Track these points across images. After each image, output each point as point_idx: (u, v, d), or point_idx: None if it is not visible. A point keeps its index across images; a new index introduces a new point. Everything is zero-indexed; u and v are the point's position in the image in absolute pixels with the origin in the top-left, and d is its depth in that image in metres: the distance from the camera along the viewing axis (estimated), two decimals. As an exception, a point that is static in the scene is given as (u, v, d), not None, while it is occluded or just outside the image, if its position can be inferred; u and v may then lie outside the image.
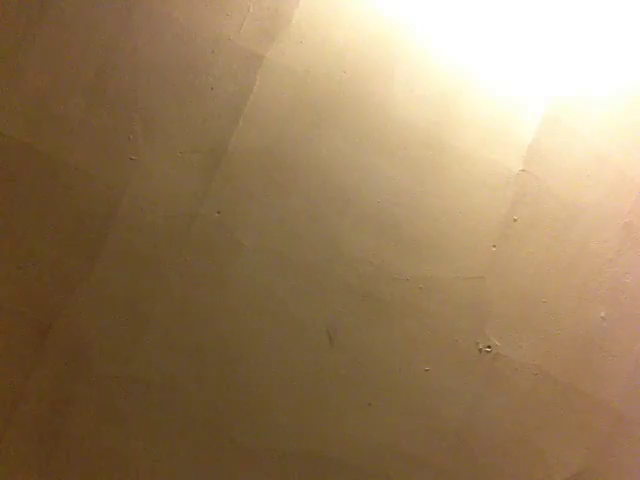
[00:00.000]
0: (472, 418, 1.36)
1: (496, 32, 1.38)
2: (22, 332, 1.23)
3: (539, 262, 1.39)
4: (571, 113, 1.40)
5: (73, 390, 1.24)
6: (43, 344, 1.24)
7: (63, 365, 1.24)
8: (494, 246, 1.37)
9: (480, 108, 1.37)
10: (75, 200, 1.25)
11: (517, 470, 1.37)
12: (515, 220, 1.38)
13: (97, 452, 1.25)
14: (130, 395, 1.26)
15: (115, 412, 1.26)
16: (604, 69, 1.42)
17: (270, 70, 1.30)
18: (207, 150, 1.29)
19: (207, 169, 1.29)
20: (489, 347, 1.37)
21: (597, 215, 1.41)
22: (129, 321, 1.26)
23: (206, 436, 1.28)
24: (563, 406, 1.39)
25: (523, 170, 1.38)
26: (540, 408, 1.38)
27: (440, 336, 1.35)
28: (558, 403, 1.39)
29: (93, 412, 1.25)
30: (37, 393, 1.23)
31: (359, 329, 1.33)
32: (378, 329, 1.33)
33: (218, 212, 1.29)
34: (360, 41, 1.33)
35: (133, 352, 1.26)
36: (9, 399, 1.22)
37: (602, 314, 1.41)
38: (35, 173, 1.24)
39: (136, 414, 1.26)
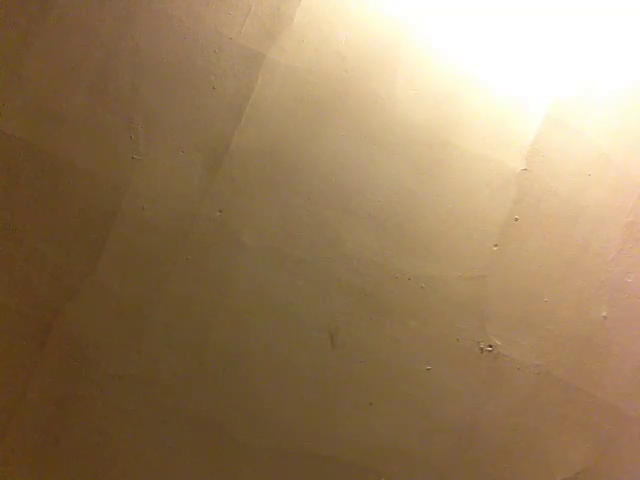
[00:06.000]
0: (473, 417, 1.36)
1: (498, 31, 1.38)
2: (24, 331, 1.23)
3: (541, 261, 1.39)
4: (573, 113, 1.40)
5: (74, 389, 1.24)
6: (45, 343, 1.24)
7: (65, 364, 1.24)
8: (496, 245, 1.37)
9: (482, 107, 1.37)
10: (77, 199, 1.25)
11: (518, 469, 1.37)
12: (517, 219, 1.38)
13: (98, 451, 1.25)
14: (131, 394, 1.26)
15: (116, 411, 1.26)
16: (606, 69, 1.42)
17: (272, 69, 1.30)
18: (209, 149, 1.29)
19: (209, 168, 1.29)
20: (490, 346, 1.36)
21: (599, 214, 1.41)
22: (131, 320, 1.26)
23: (207, 435, 1.28)
24: (564, 405, 1.39)
25: (525, 169, 1.38)
26: (541, 407, 1.38)
27: (441, 335, 1.35)
28: (559, 402, 1.39)
29: (94, 411, 1.25)
30: (39, 392, 1.24)
31: (361, 328, 1.33)
32: (380, 328, 1.33)
33: (220, 211, 1.29)
34: (362, 40, 1.33)
35: (135, 351, 1.26)
36: (11, 398, 1.23)
37: (604, 313, 1.41)
38: (37, 172, 1.24)
39: (138, 413, 1.26)
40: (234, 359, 1.29)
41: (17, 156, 1.23)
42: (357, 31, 1.33)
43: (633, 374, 1.41)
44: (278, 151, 1.31)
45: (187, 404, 1.28)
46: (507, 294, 1.37)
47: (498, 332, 1.37)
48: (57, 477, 1.24)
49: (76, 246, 1.25)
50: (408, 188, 1.35)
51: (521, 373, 1.37)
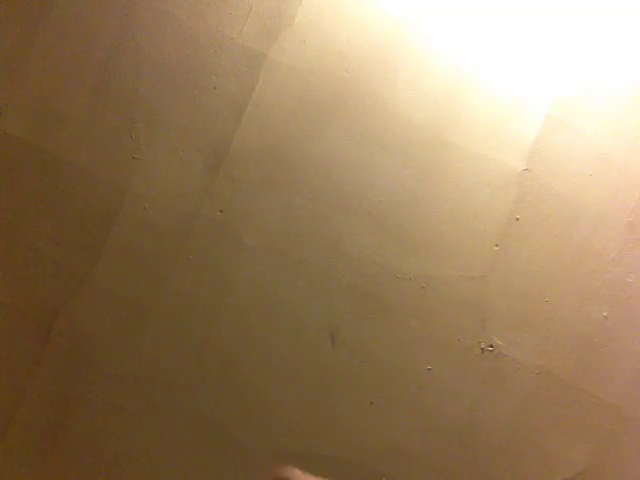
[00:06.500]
0: (474, 417, 1.36)
1: (499, 31, 1.38)
2: (24, 331, 1.23)
3: (541, 261, 1.39)
4: (574, 112, 1.40)
5: (75, 388, 1.24)
6: (45, 343, 1.24)
7: (65, 363, 1.24)
8: (496, 245, 1.37)
9: (483, 107, 1.37)
10: (78, 199, 1.25)
11: (519, 469, 1.37)
12: (517, 219, 1.38)
13: (98, 451, 1.25)
14: (132, 393, 1.26)
15: (117, 410, 1.26)
16: (606, 68, 1.42)
17: (273, 69, 1.31)
18: (209, 149, 1.29)
19: (210, 168, 1.29)
20: (491, 346, 1.36)
21: (599, 214, 1.41)
22: (131, 320, 1.26)
23: (207, 435, 1.28)
24: (565, 405, 1.39)
25: (525, 169, 1.38)
26: (542, 407, 1.38)
27: (442, 335, 1.35)
28: (560, 402, 1.39)
29: (95, 410, 1.25)
30: (39, 391, 1.24)
31: (361, 328, 1.33)
32: (380, 328, 1.33)
33: (220, 211, 1.29)
34: (362, 40, 1.33)
35: (135, 351, 1.26)
36: (11, 398, 1.22)
37: (605, 313, 1.41)
38: (38, 172, 1.24)
39: (138, 412, 1.26)
40: (234, 359, 1.29)
41: (18, 156, 1.23)
42: (358, 31, 1.33)
43: (634, 374, 1.41)
44: (279, 151, 1.31)
45: (187, 404, 1.28)
46: (508, 294, 1.37)
47: (499, 332, 1.37)
48: (57, 476, 1.24)
49: (77, 246, 1.25)
50: (409, 188, 1.35)
51: (522, 373, 1.37)
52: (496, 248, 1.37)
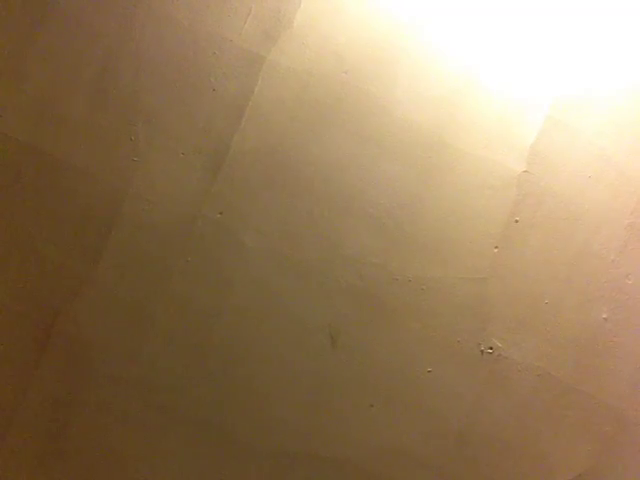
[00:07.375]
0: (474, 419, 1.35)
1: (499, 33, 1.38)
2: (25, 332, 1.24)
3: (541, 263, 1.39)
4: (573, 114, 1.40)
5: (75, 390, 1.25)
6: (46, 344, 1.24)
7: (65, 365, 1.25)
8: (496, 247, 1.37)
9: (482, 109, 1.37)
10: (78, 201, 1.25)
11: (519, 471, 1.37)
12: (517, 221, 1.38)
13: (99, 452, 1.25)
14: (132, 395, 1.26)
15: (117, 412, 1.26)
16: (606, 70, 1.42)
17: (272, 71, 1.31)
18: (209, 151, 1.29)
19: (209, 170, 1.29)
20: (491, 348, 1.36)
21: (599, 216, 1.41)
22: (131, 321, 1.26)
23: (208, 436, 1.28)
24: (565, 407, 1.39)
25: (525, 171, 1.38)
26: (542, 409, 1.38)
27: (442, 337, 1.35)
28: (560, 404, 1.38)
29: (95, 412, 1.25)
30: (39, 393, 1.24)
31: (361, 330, 1.33)
32: (380, 330, 1.33)
33: (220, 213, 1.29)
34: (361, 42, 1.33)
35: (135, 352, 1.27)
36: (12, 399, 1.23)
37: (604, 315, 1.41)
38: (38, 174, 1.24)
39: (138, 414, 1.26)
40: (234, 360, 1.29)
41: (18, 158, 1.23)
42: (357, 33, 1.33)
43: (634, 375, 1.41)
44: (278, 153, 1.31)
45: (187, 405, 1.28)
46: (508, 296, 1.37)
47: (499, 334, 1.37)
48: (58, 478, 1.24)
49: (77, 247, 1.25)
50: (408, 190, 1.35)
51: (522, 375, 1.37)
52: (496, 250, 1.37)
